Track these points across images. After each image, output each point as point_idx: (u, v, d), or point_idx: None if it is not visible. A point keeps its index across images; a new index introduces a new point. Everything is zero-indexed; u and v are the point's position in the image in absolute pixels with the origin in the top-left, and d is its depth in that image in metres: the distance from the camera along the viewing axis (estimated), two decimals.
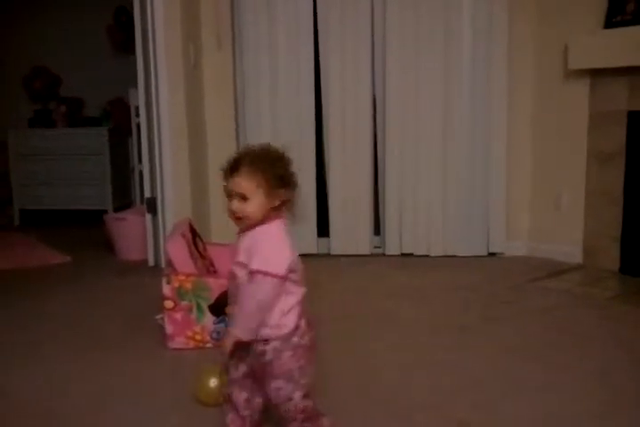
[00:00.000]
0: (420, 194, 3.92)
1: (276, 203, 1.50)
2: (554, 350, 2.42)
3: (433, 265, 3.78)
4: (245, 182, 1.47)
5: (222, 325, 2.38)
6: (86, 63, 5.64)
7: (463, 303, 3.02)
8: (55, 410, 1.98)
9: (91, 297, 3.24)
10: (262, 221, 1.50)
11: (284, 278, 1.47)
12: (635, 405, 1.95)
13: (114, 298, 3.21)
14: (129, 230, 4.02)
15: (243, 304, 1.49)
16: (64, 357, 2.42)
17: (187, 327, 2.42)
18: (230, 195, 1.50)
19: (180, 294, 2.41)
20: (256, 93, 3.93)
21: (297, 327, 1.52)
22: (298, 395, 1.53)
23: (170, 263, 2.51)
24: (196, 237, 2.75)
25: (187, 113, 3.64)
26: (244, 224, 1.51)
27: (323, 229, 4.05)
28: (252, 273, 1.46)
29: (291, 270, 1.49)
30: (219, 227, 3.80)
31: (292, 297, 1.52)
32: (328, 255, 4.01)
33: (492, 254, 3.95)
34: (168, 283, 2.41)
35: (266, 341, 1.51)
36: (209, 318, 2.43)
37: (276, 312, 1.50)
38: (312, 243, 4.01)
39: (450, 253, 3.94)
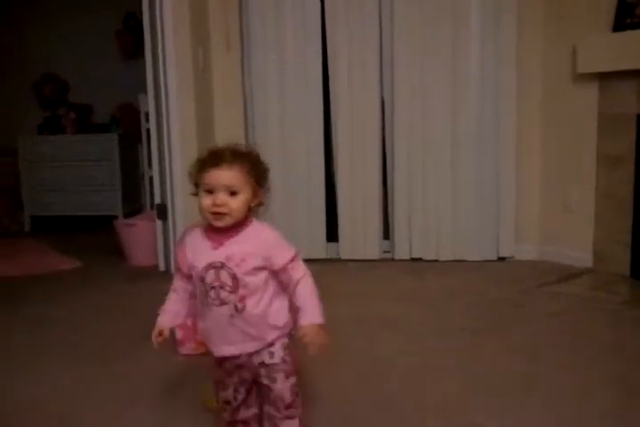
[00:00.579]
0: (429, 198, 3.91)
1: (255, 202, 1.47)
2: (564, 354, 2.40)
3: (442, 269, 3.77)
4: (236, 175, 1.41)
5: None
6: (95, 69, 5.67)
7: (473, 308, 3.01)
8: (64, 416, 1.98)
9: (101, 303, 3.25)
10: (242, 221, 1.46)
11: None
12: None
13: (124, 303, 3.22)
14: (139, 236, 4.03)
15: (313, 290, 1.49)
16: (73, 362, 2.42)
17: (196, 333, 2.42)
18: (211, 189, 1.41)
19: None
20: (264, 98, 3.94)
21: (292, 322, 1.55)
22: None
23: None
24: None
25: (196, 118, 3.65)
26: (224, 222, 1.43)
27: (332, 233, 4.05)
28: (292, 261, 1.47)
29: None
30: None
31: (286, 295, 1.53)
32: (337, 260, 4.01)
33: (501, 259, 3.94)
34: None
35: (276, 341, 1.52)
36: None
37: (281, 312, 1.52)
38: (321, 247, 4.01)
39: (459, 257, 3.93)
